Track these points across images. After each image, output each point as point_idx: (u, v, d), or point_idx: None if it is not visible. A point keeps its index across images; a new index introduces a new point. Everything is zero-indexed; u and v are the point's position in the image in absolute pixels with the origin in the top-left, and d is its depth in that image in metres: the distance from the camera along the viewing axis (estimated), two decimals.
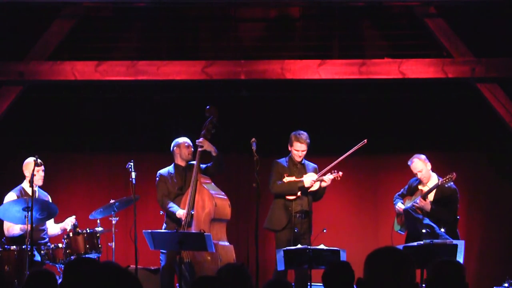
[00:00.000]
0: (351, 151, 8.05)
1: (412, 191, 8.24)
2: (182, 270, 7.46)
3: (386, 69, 9.02)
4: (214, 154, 7.94)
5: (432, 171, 8.17)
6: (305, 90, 9.58)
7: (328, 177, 7.97)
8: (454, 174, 7.85)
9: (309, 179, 7.97)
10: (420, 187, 8.17)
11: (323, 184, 8.01)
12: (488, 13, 9.08)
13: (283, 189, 8.00)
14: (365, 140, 8.05)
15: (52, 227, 8.24)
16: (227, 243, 7.84)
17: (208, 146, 7.91)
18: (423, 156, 8.14)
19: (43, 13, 9.19)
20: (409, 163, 8.16)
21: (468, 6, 9.06)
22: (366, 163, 9.82)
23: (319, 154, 8.49)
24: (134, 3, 9.18)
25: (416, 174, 8.13)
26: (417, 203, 7.95)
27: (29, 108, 9.63)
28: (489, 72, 8.91)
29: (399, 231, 8.28)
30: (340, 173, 7.98)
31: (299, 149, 8.06)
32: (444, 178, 7.87)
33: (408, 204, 8.09)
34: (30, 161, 7.96)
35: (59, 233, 8.17)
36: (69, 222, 8.03)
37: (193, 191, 7.82)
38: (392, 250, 3.03)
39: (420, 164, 8.08)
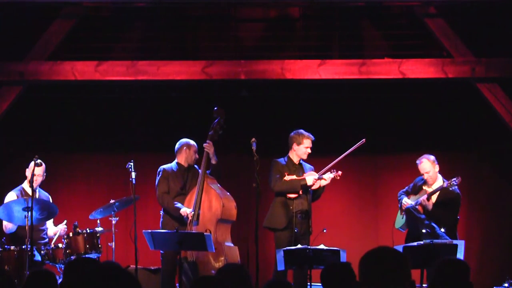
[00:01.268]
0: (349, 150, 8.05)
1: (416, 190, 8.22)
2: (186, 269, 7.46)
3: (386, 69, 9.01)
4: (214, 162, 7.96)
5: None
6: (305, 90, 9.58)
7: (328, 176, 7.99)
8: (460, 178, 7.82)
9: (311, 177, 7.98)
10: (424, 187, 8.15)
11: (323, 183, 8.02)
12: (488, 13, 9.07)
13: (286, 186, 7.99)
14: (364, 140, 8.06)
15: (51, 229, 8.23)
16: (232, 244, 7.87)
17: (212, 153, 7.91)
18: (432, 157, 8.09)
19: (43, 13, 9.18)
20: (417, 162, 8.11)
21: (468, 6, 9.05)
22: (366, 163, 9.82)
23: (318, 154, 8.48)
24: (134, 3, 9.17)
25: (423, 174, 8.10)
26: (420, 203, 7.95)
27: (29, 108, 9.63)
28: (489, 72, 8.91)
29: (400, 229, 8.26)
30: (340, 172, 7.99)
31: (308, 145, 8.07)
32: (450, 181, 7.84)
33: (411, 202, 8.08)
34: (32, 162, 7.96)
35: (53, 237, 8.13)
36: (59, 229, 8.02)
37: (200, 191, 7.83)
38: (385, 250, 3.02)
39: (428, 165, 8.04)
